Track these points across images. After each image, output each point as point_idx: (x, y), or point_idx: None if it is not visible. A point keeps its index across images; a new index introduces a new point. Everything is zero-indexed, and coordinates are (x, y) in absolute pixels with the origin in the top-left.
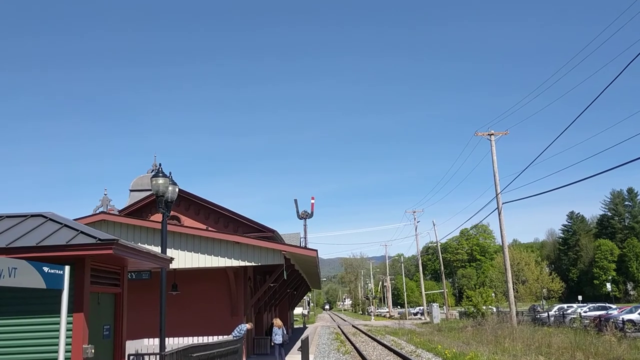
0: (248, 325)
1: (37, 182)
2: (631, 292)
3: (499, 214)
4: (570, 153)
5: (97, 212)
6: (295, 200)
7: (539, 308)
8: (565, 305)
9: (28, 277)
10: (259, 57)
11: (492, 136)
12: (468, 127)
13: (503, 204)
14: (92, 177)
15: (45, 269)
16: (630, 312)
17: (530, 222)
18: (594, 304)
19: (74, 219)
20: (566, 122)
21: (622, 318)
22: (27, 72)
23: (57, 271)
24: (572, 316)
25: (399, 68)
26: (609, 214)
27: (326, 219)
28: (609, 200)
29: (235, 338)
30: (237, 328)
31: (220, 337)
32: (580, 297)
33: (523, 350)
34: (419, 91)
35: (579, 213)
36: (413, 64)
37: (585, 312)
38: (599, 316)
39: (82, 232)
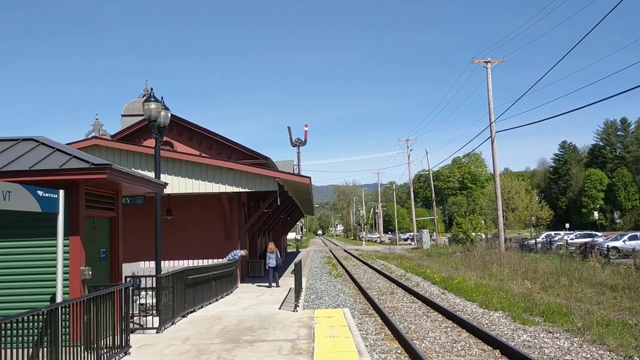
0: (243, 252)
1: (25, 107)
2: (617, 221)
3: (492, 143)
4: (567, 82)
5: (89, 137)
6: (289, 128)
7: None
8: (552, 233)
9: (23, 200)
10: None
11: (488, 64)
12: (465, 55)
13: (496, 132)
14: (83, 103)
15: (40, 192)
16: (616, 239)
17: (523, 151)
18: (580, 232)
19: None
20: (565, 48)
21: (607, 245)
22: None
23: (51, 195)
24: (559, 243)
25: None
26: (601, 143)
27: (320, 147)
28: (601, 130)
29: (229, 261)
30: (231, 253)
31: (215, 261)
32: (567, 225)
33: (510, 275)
34: (419, 12)
35: (571, 143)
36: None
37: (571, 239)
38: (585, 243)
39: (75, 157)
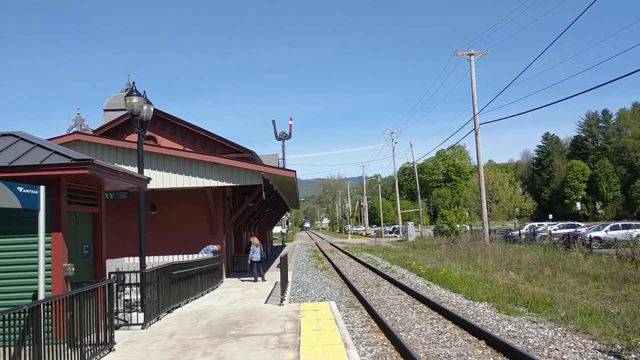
0: (216, 247)
1: (4, 102)
2: (600, 211)
3: (476, 135)
4: (551, 73)
5: (71, 132)
6: (274, 121)
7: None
8: (536, 224)
9: (3, 197)
10: None
11: (472, 56)
12: (449, 47)
13: (480, 124)
14: (64, 97)
15: (20, 189)
16: (598, 229)
17: (506, 143)
18: (563, 223)
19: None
20: (549, 40)
21: (590, 235)
22: None
23: (32, 191)
24: (543, 234)
25: None
26: (583, 135)
27: (305, 140)
28: (583, 121)
29: (204, 256)
30: (204, 248)
31: (200, 256)
32: (550, 216)
33: (494, 266)
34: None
35: (554, 134)
36: None
37: (555, 230)
38: (568, 234)
39: (56, 152)
